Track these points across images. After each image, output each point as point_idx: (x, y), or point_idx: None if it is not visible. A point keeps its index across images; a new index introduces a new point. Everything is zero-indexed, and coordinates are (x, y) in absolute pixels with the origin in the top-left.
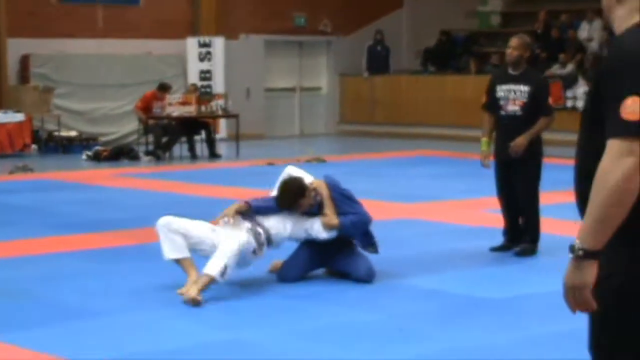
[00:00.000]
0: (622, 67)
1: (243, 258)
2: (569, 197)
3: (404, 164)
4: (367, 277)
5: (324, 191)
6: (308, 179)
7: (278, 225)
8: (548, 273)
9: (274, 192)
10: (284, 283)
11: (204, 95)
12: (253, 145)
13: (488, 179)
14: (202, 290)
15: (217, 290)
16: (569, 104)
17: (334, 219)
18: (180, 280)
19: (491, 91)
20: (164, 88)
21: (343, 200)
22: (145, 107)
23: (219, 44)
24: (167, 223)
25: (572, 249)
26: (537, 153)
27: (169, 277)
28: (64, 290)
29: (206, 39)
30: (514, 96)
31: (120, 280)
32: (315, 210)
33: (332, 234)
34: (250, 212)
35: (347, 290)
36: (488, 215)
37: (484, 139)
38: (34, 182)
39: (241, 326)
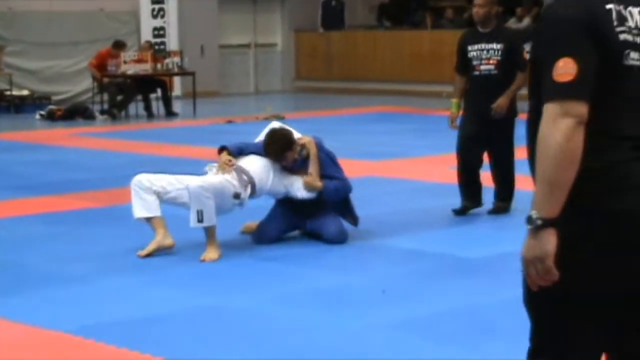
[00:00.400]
0: (554, 32)
1: (222, 201)
2: None
3: (364, 120)
4: (337, 239)
5: (313, 148)
6: (296, 134)
7: (261, 173)
8: (524, 230)
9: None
10: (259, 245)
11: (160, 52)
12: (208, 103)
13: (449, 135)
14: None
15: (191, 253)
16: (527, 57)
17: (317, 181)
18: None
19: (462, 52)
20: (118, 45)
21: (328, 162)
22: (100, 65)
23: (172, 0)
24: (139, 181)
25: (529, 220)
26: (514, 111)
27: (140, 240)
28: (32, 255)
29: None
30: (487, 55)
31: (90, 244)
32: (298, 165)
33: (312, 196)
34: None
35: (325, 252)
36: (453, 172)
37: (455, 100)
38: None
39: (222, 291)
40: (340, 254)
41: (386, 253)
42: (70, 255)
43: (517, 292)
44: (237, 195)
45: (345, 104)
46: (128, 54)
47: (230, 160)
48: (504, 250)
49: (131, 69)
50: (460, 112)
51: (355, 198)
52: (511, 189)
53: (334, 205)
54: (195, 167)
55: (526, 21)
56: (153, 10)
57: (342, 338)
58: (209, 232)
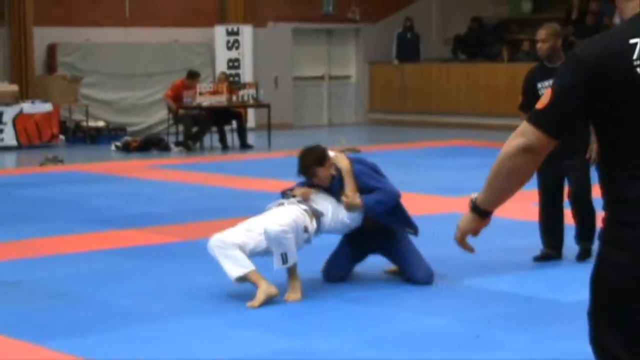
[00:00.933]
0: (562, 67)
1: (297, 237)
2: None
3: (440, 154)
4: (425, 281)
5: (344, 163)
6: (331, 153)
7: (323, 206)
8: None
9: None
10: (330, 282)
11: (236, 84)
12: (282, 135)
13: None
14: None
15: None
16: None
17: (356, 199)
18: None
19: (531, 90)
20: (193, 75)
21: (366, 173)
22: (175, 96)
23: (247, 32)
24: (220, 241)
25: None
26: (586, 143)
27: (222, 276)
28: (112, 291)
29: (234, 27)
30: None
31: (168, 280)
32: (336, 187)
33: (357, 219)
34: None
35: (408, 293)
36: (536, 209)
37: None
38: (65, 174)
39: (307, 334)
40: (424, 295)
41: (473, 295)
42: (149, 291)
43: None
44: (305, 229)
45: (420, 137)
46: (203, 86)
47: (310, 187)
48: None
49: (206, 101)
50: None
51: (433, 236)
52: (593, 228)
53: (390, 218)
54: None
55: None
56: (228, 42)
57: None
58: (291, 270)
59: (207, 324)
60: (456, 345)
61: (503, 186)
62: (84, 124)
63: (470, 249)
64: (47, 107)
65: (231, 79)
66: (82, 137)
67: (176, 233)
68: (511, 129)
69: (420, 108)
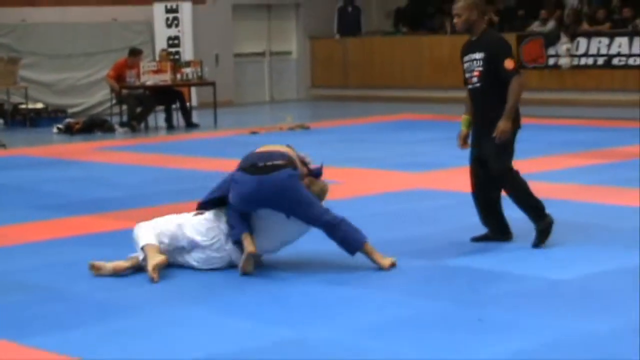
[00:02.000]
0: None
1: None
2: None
3: (391, 128)
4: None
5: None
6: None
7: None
8: (606, 246)
9: None
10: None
11: (180, 62)
12: (225, 113)
13: None
14: None
15: (248, 278)
16: (551, 61)
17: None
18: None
19: (462, 64)
20: (135, 53)
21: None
22: (118, 76)
23: (186, 9)
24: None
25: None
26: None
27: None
28: (86, 282)
29: (173, 4)
30: (473, 67)
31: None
32: None
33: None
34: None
35: (397, 275)
36: None
37: (464, 117)
38: (8, 158)
39: (303, 323)
40: (414, 277)
41: (464, 274)
42: (124, 280)
43: (629, 317)
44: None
45: (365, 112)
46: (147, 64)
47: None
48: (592, 271)
49: (150, 80)
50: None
51: (408, 214)
52: (536, 206)
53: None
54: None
55: (551, 24)
56: (167, 19)
57: None
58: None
59: (188, 314)
60: (459, 331)
61: None
62: (23, 106)
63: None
64: None
65: (171, 57)
66: (21, 120)
67: (137, 218)
68: (457, 101)
69: (363, 83)
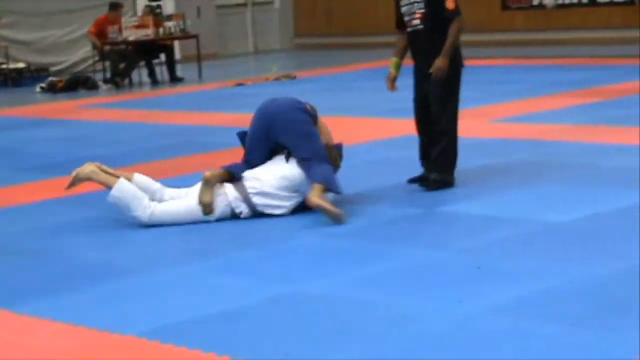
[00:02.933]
0: None
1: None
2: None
3: (376, 76)
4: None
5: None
6: None
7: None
8: (602, 187)
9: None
10: None
11: (161, 16)
12: (210, 66)
13: (477, 84)
14: None
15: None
16: (535, 1)
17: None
18: (203, 225)
19: (397, 7)
20: (114, 7)
21: None
22: (99, 32)
23: None
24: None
25: None
26: (454, 62)
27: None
28: (74, 244)
29: None
30: (414, 9)
31: (133, 229)
32: None
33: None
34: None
35: (393, 224)
36: (496, 126)
37: (394, 59)
38: None
39: (297, 277)
40: (411, 225)
41: (462, 221)
42: (115, 242)
43: (631, 261)
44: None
45: (351, 60)
46: (128, 20)
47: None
48: (590, 212)
49: (132, 35)
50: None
51: (403, 161)
52: (452, 157)
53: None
54: (217, 135)
55: None
56: None
57: (451, 326)
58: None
59: (181, 274)
60: (458, 280)
61: None
62: (4, 66)
63: None
64: None
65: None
66: (2, 80)
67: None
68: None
69: (347, 30)
